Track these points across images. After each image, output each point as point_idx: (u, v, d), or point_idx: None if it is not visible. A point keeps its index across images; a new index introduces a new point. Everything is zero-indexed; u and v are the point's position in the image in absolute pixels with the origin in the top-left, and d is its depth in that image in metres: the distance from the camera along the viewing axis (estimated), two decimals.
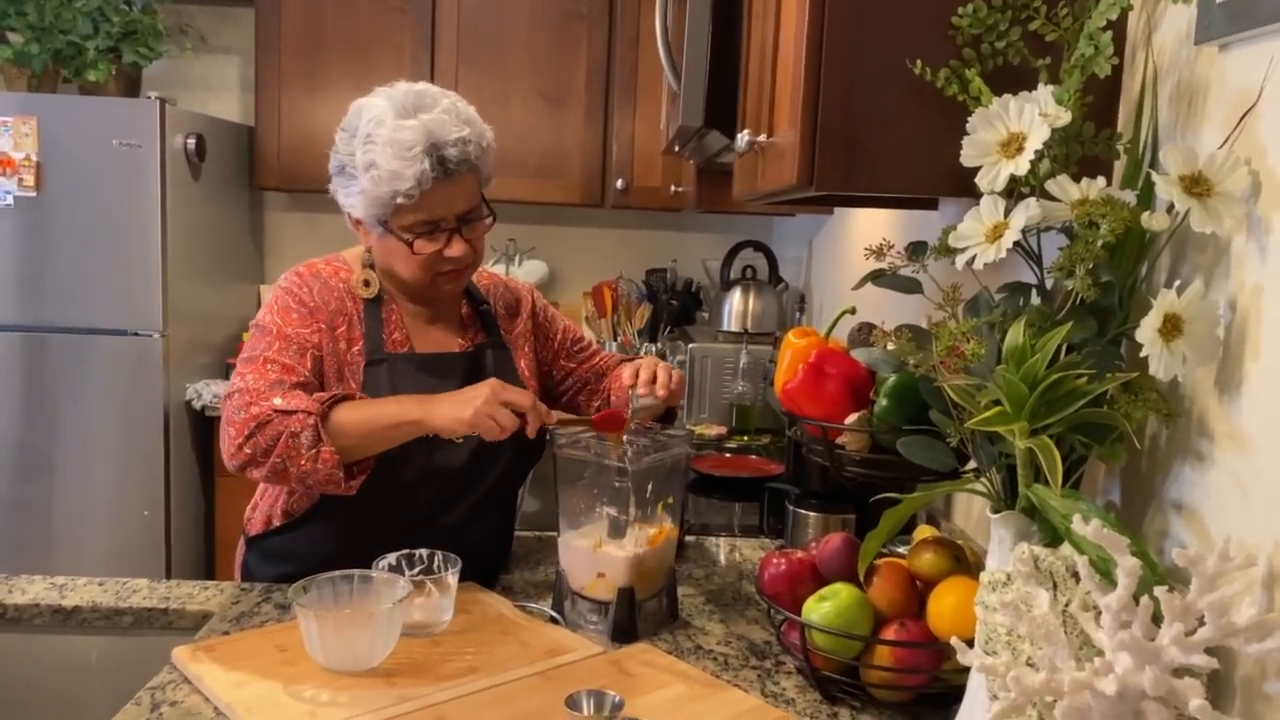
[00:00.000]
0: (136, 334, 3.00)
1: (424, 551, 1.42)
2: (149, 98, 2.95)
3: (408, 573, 1.39)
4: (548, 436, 1.60)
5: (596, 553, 1.41)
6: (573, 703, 1.12)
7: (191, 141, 3.07)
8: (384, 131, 1.42)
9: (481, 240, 1.56)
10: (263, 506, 1.62)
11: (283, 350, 1.48)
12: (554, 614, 1.46)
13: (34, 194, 2.93)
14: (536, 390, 1.69)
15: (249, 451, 1.40)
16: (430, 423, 1.40)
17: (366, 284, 1.57)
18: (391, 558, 1.40)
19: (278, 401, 1.42)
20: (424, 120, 1.43)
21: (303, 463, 1.39)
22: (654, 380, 1.54)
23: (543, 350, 1.76)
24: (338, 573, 1.32)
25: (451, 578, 1.38)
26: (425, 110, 1.45)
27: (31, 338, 2.99)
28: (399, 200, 1.43)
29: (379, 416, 1.42)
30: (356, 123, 1.47)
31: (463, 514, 1.58)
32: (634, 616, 1.39)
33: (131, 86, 3.29)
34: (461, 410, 1.38)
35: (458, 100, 1.51)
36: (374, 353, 1.53)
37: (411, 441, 1.46)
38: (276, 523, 1.59)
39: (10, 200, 2.93)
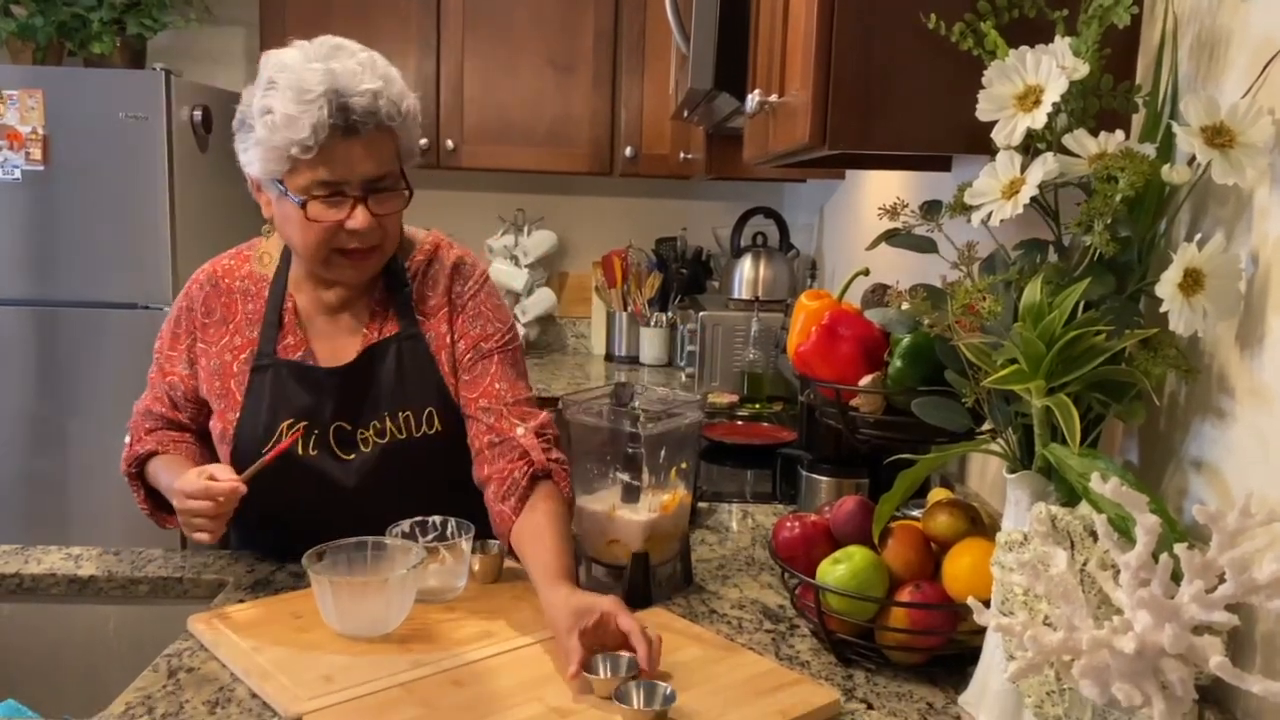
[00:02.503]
0: (146, 307, 2.99)
1: (437, 518, 1.42)
2: (154, 69, 2.94)
3: (422, 539, 1.39)
4: (557, 402, 1.57)
5: (611, 518, 1.40)
6: (622, 695, 1.08)
7: (198, 113, 3.05)
8: (286, 76, 1.31)
9: (394, 220, 1.41)
10: None
11: (154, 382, 1.55)
12: None
13: (41, 167, 2.92)
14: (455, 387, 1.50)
15: None
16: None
17: (264, 258, 1.51)
18: (405, 525, 1.40)
19: (126, 439, 1.54)
20: (332, 66, 1.32)
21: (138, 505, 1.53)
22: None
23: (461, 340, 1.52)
24: (352, 540, 1.32)
25: (465, 544, 1.39)
26: (337, 59, 1.33)
27: (42, 312, 2.99)
28: (294, 151, 1.31)
29: (161, 489, 1.47)
30: (264, 72, 1.36)
31: (372, 528, 1.37)
32: (648, 581, 1.39)
33: (136, 58, 3.27)
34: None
35: (380, 59, 1.39)
36: (261, 357, 1.46)
37: (255, 470, 1.36)
38: None
39: (18, 174, 2.92)
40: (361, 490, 1.46)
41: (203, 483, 1.31)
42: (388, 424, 1.46)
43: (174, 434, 1.54)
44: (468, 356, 1.50)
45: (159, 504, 1.52)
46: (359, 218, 1.36)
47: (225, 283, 1.51)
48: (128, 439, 1.54)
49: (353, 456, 1.45)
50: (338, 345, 1.49)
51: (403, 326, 1.49)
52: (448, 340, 1.50)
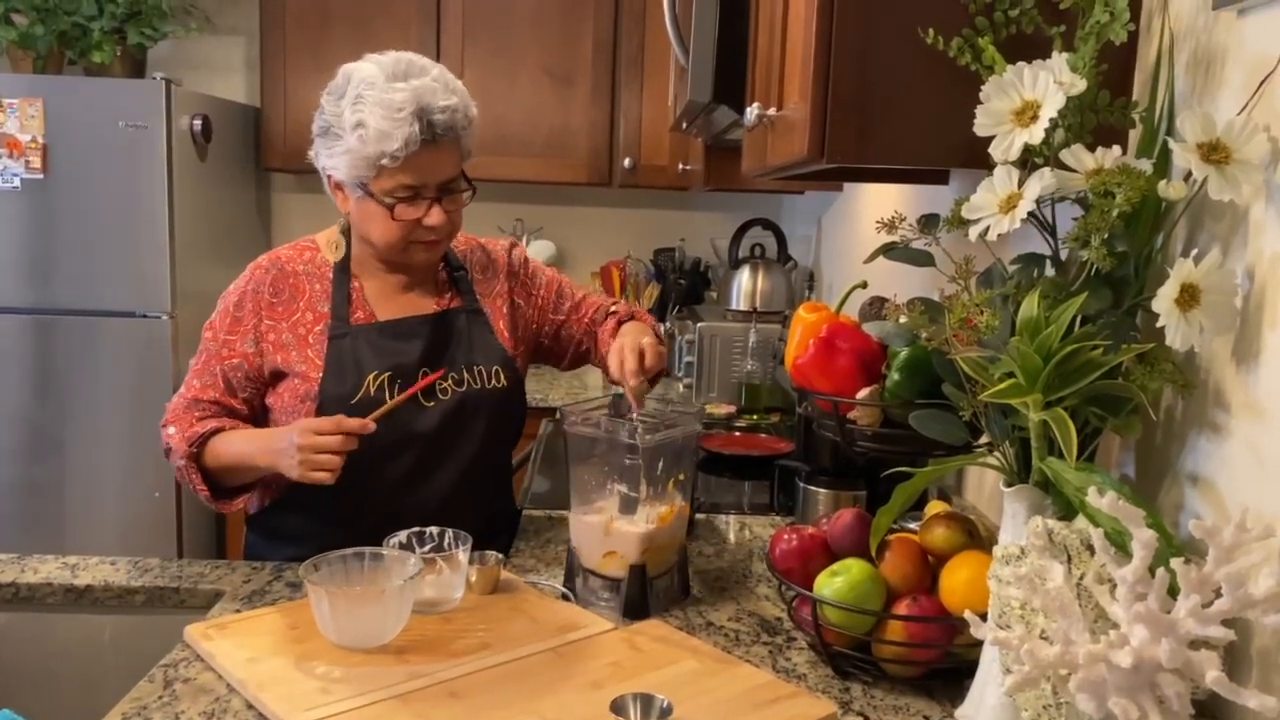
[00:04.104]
0: (144, 316, 3.00)
1: (434, 529, 1.42)
2: (154, 79, 2.94)
3: (419, 550, 1.39)
4: (554, 412, 1.59)
5: (608, 530, 1.40)
6: (618, 707, 1.08)
7: (197, 122, 3.06)
8: (374, 93, 1.44)
9: (459, 213, 1.58)
10: (258, 485, 1.63)
11: (204, 369, 1.59)
12: (565, 591, 1.46)
13: (41, 176, 2.93)
14: (521, 351, 1.72)
15: (173, 464, 1.58)
16: (278, 469, 1.46)
17: (336, 247, 1.61)
18: (402, 535, 1.40)
19: (171, 430, 1.57)
20: (414, 85, 1.46)
21: (192, 490, 1.57)
22: (629, 367, 1.47)
23: (528, 309, 1.75)
24: (349, 550, 1.32)
25: (463, 555, 1.38)
26: (415, 76, 1.47)
27: (40, 320, 2.99)
28: (384, 161, 1.45)
29: (237, 458, 1.53)
30: (345, 85, 1.48)
31: (448, 483, 1.60)
32: (646, 593, 1.39)
33: (137, 68, 3.28)
34: (289, 468, 1.43)
35: (446, 71, 1.54)
36: (337, 326, 1.57)
37: (388, 409, 1.50)
38: (268, 500, 1.63)
39: (17, 183, 2.93)
40: (438, 435, 1.58)
41: (336, 418, 1.42)
42: (464, 374, 1.61)
43: (227, 419, 1.59)
44: (554, 302, 1.76)
45: (217, 490, 1.58)
46: (435, 216, 1.52)
47: (290, 267, 1.62)
48: (171, 430, 1.57)
49: (433, 404, 1.58)
50: (407, 312, 1.62)
51: (465, 302, 1.67)
52: (504, 311, 1.70)
